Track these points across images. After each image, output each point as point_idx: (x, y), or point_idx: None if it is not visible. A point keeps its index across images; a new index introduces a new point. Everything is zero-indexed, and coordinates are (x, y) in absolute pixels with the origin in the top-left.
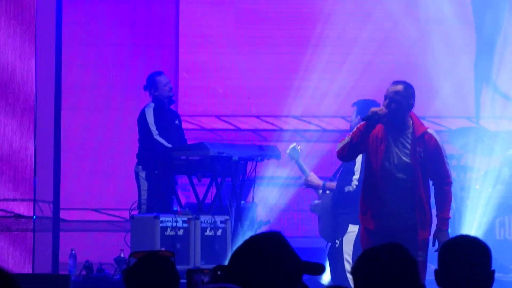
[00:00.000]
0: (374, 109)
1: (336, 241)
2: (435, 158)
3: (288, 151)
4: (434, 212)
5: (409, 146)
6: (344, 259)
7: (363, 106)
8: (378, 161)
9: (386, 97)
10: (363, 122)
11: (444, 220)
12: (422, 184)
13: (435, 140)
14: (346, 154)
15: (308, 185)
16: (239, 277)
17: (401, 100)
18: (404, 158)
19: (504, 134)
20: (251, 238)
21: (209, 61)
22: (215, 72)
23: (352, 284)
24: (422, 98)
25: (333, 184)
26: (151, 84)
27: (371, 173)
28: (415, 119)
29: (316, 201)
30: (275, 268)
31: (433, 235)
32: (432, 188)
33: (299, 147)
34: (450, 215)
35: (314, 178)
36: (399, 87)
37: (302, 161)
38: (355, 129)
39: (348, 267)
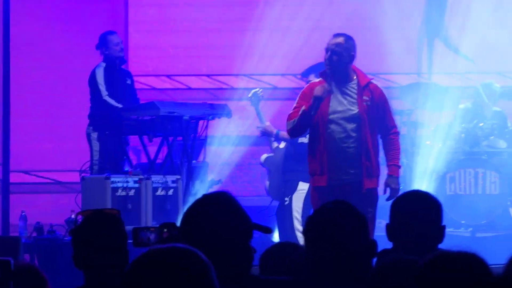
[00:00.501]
0: (316, 93)
1: (286, 198)
2: (381, 107)
3: (249, 95)
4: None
5: (355, 96)
6: (293, 216)
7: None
8: (324, 115)
9: (327, 50)
10: (308, 106)
11: (394, 167)
12: (370, 134)
13: (381, 91)
14: (298, 133)
15: (263, 132)
16: (190, 237)
17: (343, 52)
18: (351, 108)
19: (454, 89)
20: (201, 198)
21: (159, 21)
22: (165, 31)
23: (301, 242)
24: (373, 54)
25: (286, 134)
26: (102, 42)
27: (317, 129)
28: (359, 71)
29: (268, 154)
30: (224, 227)
31: (384, 183)
32: (380, 140)
33: (260, 92)
34: (400, 164)
35: (270, 126)
36: (340, 39)
37: (260, 108)
38: (300, 111)
39: (297, 224)
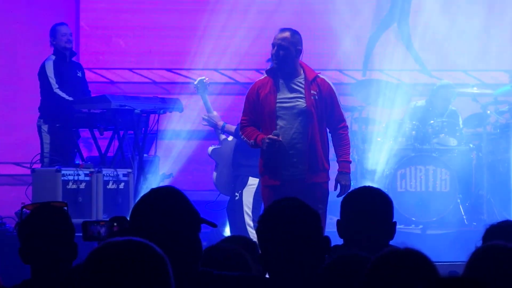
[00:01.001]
0: (268, 141)
1: (236, 193)
2: (330, 101)
3: (195, 83)
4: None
5: (302, 91)
6: (244, 211)
7: None
8: (272, 111)
9: (273, 45)
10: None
11: (344, 163)
12: (318, 128)
13: (328, 85)
14: None
15: (210, 121)
16: (139, 231)
17: (289, 46)
18: (298, 102)
19: (406, 86)
20: (148, 192)
21: (110, 13)
22: (116, 24)
23: (252, 236)
24: (325, 51)
25: (233, 127)
26: (51, 33)
27: (266, 125)
28: (305, 66)
29: (215, 146)
30: (172, 220)
31: (335, 179)
32: (329, 135)
33: (206, 79)
34: (351, 159)
35: (216, 117)
36: (286, 34)
37: (207, 97)
38: (246, 136)
39: (248, 219)
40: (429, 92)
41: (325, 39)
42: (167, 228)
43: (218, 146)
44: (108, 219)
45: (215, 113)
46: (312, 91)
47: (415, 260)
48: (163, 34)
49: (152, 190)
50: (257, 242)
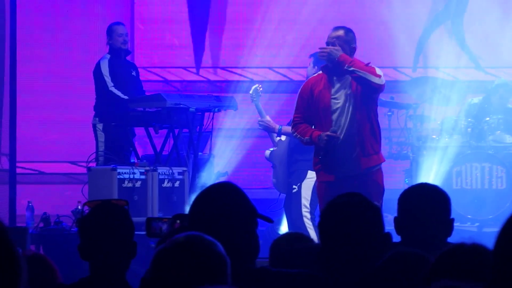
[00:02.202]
0: (327, 138)
1: (294, 186)
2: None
3: (250, 92)
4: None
5: (350, 83)
6: (302, 204)
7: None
8: (327, 114)
9: (328, 43)
10: (318, 135)
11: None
12: (364, 112)
13: (375, 68)
14: None
15: (264, 126)
16: (198, 227)
17: (343, 44)
18: (348, 95)
19: (461, 83)
20: (206, 188)
21: (164, 13)
22: (170, 24)
23: (309, 229)
24: (379, 48)
25: (289, 128)
26: (108, 32)
27: (320, 122)
28: (357, 60)
29: (272, 149)
30: (231, 215)
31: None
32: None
33: (260, 88)
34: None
35: (271, 122)
36: (340, 32)
37: (261, 104)
38: (300, 134)
39: (305, 212)
40: (486, 90)
41: (379, 36)
42: (225, 223)
43: (274, 149)
44: (170, 217)
45: (267, 117)
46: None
47: (479, 254)
48: (217, 33)
49: (211, 186)
50: (310, 236)
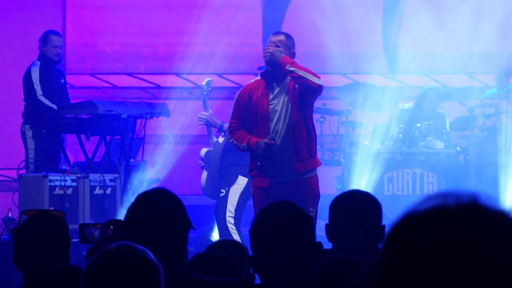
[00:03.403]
0: (265, 145)
1: (222, 190)
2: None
3: (203, 84)
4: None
5: (287, 87)
6: (227, 209)
7: None
8: (264, 119)
9: (268, 48)
10: (254, 146)
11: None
12: (299, 116)
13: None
14: None
15: (206, 120)
16: (133, 233)
17: (284, 49)
18: (285, 99)
19: (392, 90)
20: (141, 195)
21: (97, 20)
22: (102, 28)
23: (234, 235)
24: (312, 54)
25: None
26: (43, 38)
27: (257, 127)
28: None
29: (208, 148)
30: (166, 222)
31: None
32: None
33: (212, 82)
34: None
35: (214, 117)
36: (281, 37)
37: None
38: (235, 139)
39: (229, 217)
40: (416, 95)
41: (312, 42)
42: (159, 230)
43: (210, 149)
44: (104, 223)
45: (210, 111)
46: (295, 85)
47: None
48: (149, 40)
49: (145, 192)
50: (240, 244)
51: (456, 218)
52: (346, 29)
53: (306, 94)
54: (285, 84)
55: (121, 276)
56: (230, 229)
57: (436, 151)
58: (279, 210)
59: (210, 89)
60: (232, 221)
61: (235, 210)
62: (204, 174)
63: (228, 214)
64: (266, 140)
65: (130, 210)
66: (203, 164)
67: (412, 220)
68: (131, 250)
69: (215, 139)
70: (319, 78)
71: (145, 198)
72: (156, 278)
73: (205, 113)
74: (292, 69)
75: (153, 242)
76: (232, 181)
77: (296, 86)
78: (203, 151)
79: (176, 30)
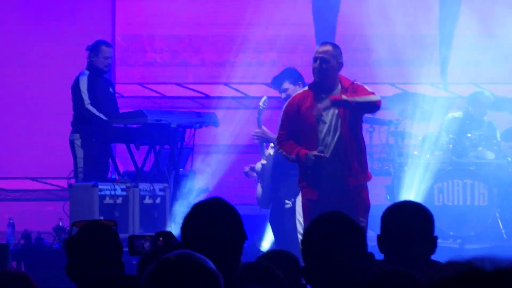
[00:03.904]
0: (314, 158)
1: (287, 201)
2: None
3: (261, 102)
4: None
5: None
6: (296, 220)
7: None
8: (313, 131)
9: (315, 58)
10: (305, 154)
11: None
12: (350, 131)
13: (363, 86)
14: None
15: (261, 137)
16: (189, 244)
17: (331, 59)
18: (335, 111)
19: (442, 100)
20: (196, 204)
21: (146, 29)
22: (151, 39)
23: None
24: (360, 64)
25: None
26: (95, 48)
27: (307, 144)
28: (342, 76)
29: (263, 162)
30: (221, 232)
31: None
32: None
33: (267, 100)
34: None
35: (268, 132)
36: (328, 47)
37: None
38: (286, 152)
39: (299, 228)
40: (464, 102)
41: (361, 52)
42: (215, 241)
43: (264, 162)
44: (153, 234)
45: (264, 128)
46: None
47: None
48: (199, 47)
49: (201, 202)
50: (292, 254)
51: (493, 284)
52: (395, 38)
53: (361, 111)
54: (334, 93)
55: (182, 285)
56: (300, 240)
57: (487, 162)
58: (331, 221)
59: (265, 107)
60: (302, 231)
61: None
62: (259, 186)
63: (298, 225)
64: (315, 152)
65: (186, 220)
66: (255, 176)
67: (451, 283)
68: (191, 258)
69: (267, 152)
70: (374, 92)
71: (201, 208)
72: (218, 287)
73: (259, 130)
74: (350, 100)
75: (209, 252)
76: (297, 191)
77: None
78: (259, 165)
79: (225, 39)
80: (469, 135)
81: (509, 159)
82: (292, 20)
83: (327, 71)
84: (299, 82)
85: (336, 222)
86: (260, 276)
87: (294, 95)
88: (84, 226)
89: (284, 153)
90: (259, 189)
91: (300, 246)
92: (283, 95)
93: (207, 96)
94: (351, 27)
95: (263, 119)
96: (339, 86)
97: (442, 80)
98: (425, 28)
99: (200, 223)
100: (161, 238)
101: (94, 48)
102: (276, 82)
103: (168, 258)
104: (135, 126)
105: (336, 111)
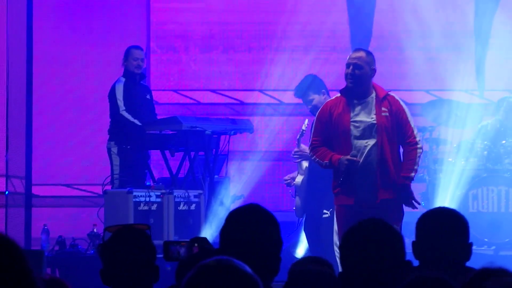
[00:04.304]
0: (347, 162)
1: (326, 211)
2: (400, 118)
3: (303, 126)
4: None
5: (374, 108)
6: (334, 230)
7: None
8: (346, 136)
9: (348, 64)
10: (338, 159)
11: (402, 178)
12: (389, 145)
13: (399, 102)
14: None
15: (301, 155)
16: (227, 250)
17: (364, 66)
18: (369, 120)
19: (476, 106)
20: (234, 211)
21: (180, 36)
22: (185, 46)
23: (337, 258)
24: (394, 70)
25: None
26: (125, 54)
27: (340, 144)
28: (376, 85)
29: (301, 177)
30: (259, 239)
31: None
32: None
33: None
34: (411, 175)
35: (307, 148)
36: (361, 54)
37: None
38: (320, 158)
39: (336, 239)
40: (495, 108)
41: (394, 58)
42: (253, 247)
43: (302, 176)
44: (189, 240)
45: (302, 146)
46: (383, 108)
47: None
48: (233, 54)
49: (239, 208)
50: (327, 261)
51: None
52: (430, 44)
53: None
54: (368, 102)
55: None
56: (336, 252)
57: None
58: (370, 227)
59: (306, 129)
60: (338, 243)
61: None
62: (297, 199)
63: (335, 236)
64: (348, 156)
65: (224, 226)
66: (292, 191)
67: None
68: (230, 264)
69: (304, 166)
70: (419, 146)
71: (238, 214)
72: None
73: (297, 149)
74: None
75: (247, 257)
76: None
77: (385, 109)
78: (299, 180)
79: (258, 46)
80: (503, 142)
81: None
82: (326, 28)
83: (360, 77)
84: (323, 90)
85: (375, 228)
86: (318, 282)
87: (326, 101)
88: (117, 231)
89: (317, 159)
90: (297, 201)
91: (338, 252)
92: (310, 106)
93: (241, 103)
94: (385, 33)
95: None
96: (373, 94)
97: (478, 86)
98: (460, 27)
99: (238, 229)
100: (196, 244)
101: (125, 54)
102: (300, 94)
103: (208, 264)
104: (170, 132)
105: (370, 118)
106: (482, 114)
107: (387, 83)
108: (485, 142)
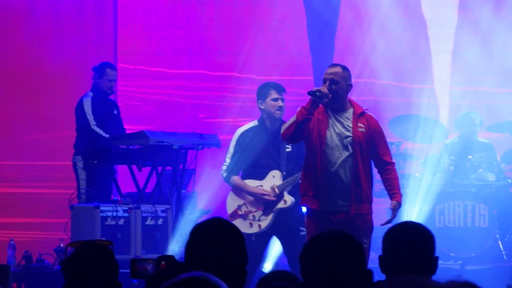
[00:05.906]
0: (317, 88)
1: (302, 228)
2: (377, 138)
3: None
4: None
5: (350, 124)
6: None
7: None
8: (321, 142)
9: (325, 80)
10: (306, 103)
11: (397, 195)
12: (362, 162)
13: (376, 121)
14: (292, 135)
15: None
16: (193, 265)
17: (340, 81)
18: (346, 133)
19: (443, 122)
20: (197, 225)
21: (147, 49)
22: (153, 60)
23: None
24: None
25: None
26: (100, 70)
27: (312, 155)
28: (353, 101)
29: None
30: (224, 252)
31: (390, 207)
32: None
33: None
34: (401, 192)
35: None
36: (337, 69)
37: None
38: (299, 108)
39: None
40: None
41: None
42: (218, 262)
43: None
44: (156, 258)
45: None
46: (359, 124)
47: None
48: (200, 72)
49: (203, 222)
50: (291, 273)
51: None
52: (396, 62)
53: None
54: (344, 117)
55: None
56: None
57: (488, 183)
58: (329, 237)
59: None
60: None
61: None
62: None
63: None
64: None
65: (188, 241)
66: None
67: None
68: (205, 280)
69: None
70: (392, 162)
71: (201, 228)
72: None
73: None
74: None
75: (212, 272)
76: None
77: (362, 125)
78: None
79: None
80: (470, 157)
81: (510, 181)
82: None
83: (336, 91)
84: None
85: (334, 240)
86: None
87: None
88: (79, 247)
89: (287, 123)
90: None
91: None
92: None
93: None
94: (350, 46)
95: None
96: (351, 111)
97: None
98: (424, 43)
99: (201, 244)
100: (163, 262)
101: (99, 70)
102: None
103: (182, 279)
104: (137, 147)
105: (345, 134)
106: (448, 129)
107: (356, 93)
108: (452, 157)
